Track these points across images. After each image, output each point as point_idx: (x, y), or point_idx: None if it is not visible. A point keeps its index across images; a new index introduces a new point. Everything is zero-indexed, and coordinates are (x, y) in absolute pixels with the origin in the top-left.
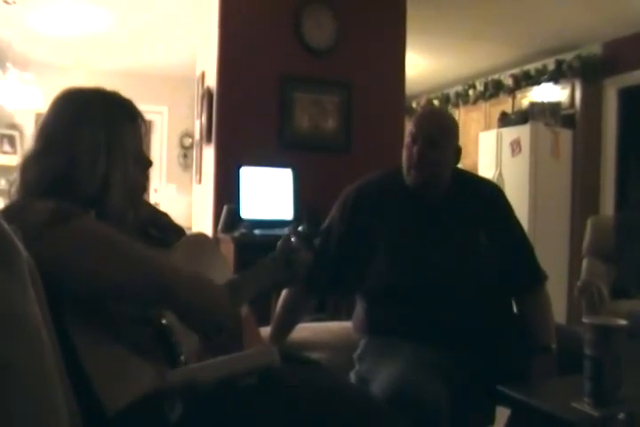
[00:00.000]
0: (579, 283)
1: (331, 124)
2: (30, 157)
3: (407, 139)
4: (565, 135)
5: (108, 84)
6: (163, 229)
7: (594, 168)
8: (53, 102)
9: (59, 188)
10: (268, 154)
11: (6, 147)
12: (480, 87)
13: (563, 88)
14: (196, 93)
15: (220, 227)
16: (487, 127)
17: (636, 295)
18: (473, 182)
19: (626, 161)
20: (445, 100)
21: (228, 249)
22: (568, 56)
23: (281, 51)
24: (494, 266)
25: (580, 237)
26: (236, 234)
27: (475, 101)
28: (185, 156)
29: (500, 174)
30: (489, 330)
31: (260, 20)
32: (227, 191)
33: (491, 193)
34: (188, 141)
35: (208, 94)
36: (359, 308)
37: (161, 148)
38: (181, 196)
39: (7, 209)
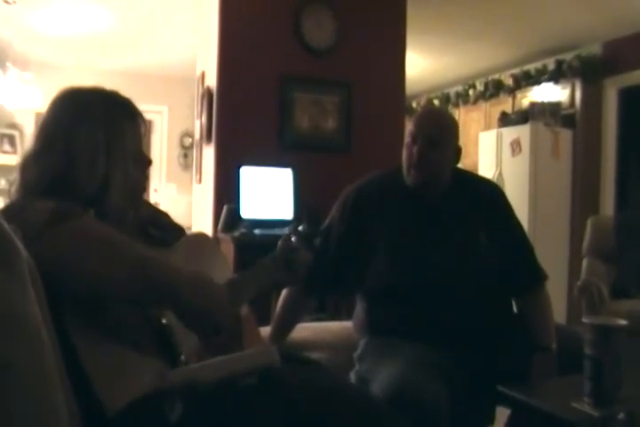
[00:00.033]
0: (579, 283)
1: (331, 124)
2: (30, 157)
3: (407, 139)
4: (565, 135)
5: (109, 84)
6: (163, 228)
7: (594, 168)
8: (53, 102)
9: (58, 187)
10: (268, 154)
11: (6, 146)
12: (480, 87)
13: (563, 88)
14: (196, 93)
15: (219, 227)
16: (487, 127)
17: (636, 295)
18: (473, 182)
19: (626, 161)
20: (445, 99)
21: (228, 249)
22: (568, 56)
23: (281, 51)
24: (494, 266)
25: (580, 237)
26: (236, 234)
27: (475, 101)
28: (185, 155)
29: (500, 174)
30: (489, 330)
31: (260, 20)
32: (227, 191)
33: (491, 193)
34: (188, 141)
35: (208, 94)
36: (359, 308)
37: (161, 147)
38: (181, 195)
39: (7, 209)
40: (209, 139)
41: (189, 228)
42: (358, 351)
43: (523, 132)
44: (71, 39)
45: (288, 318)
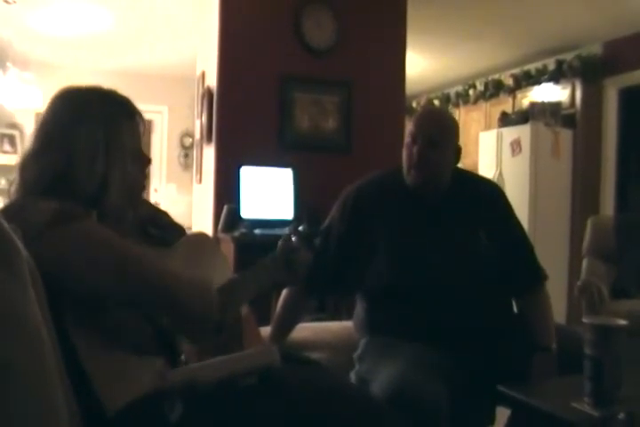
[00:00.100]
0: (579, 283)
1: (331, 123)
2: (29, 156)
3: (407, 139)
4: (566, 135)
5: (109, 84)
6: (163, 228)
7: (594, 168)
8: (52, 101)
9: (58, 187)
10: (269, 154)
11: (6, 146)
12: (480, 87)
13: (563, 88)
14: (197, 93)
15: (220, 226)
16: (487, 127)
17: (636, 295)
18: (473, 182)
19: (626, 161)
20: (446, 99)
21: (228, 249)
22: (568, 56)
23: (281, 51)
24: (494, 266)
25: (580, 237)
26: (237, 234)
27: (475, 101)
28: (186, 155)
29: (501, 174)
30: (489, 330)
31: (260, 20)
32: (227, 191)
33: (491, 193)
34: (188, 141)
35: (208, 94)
36: (359, 308)
37: (161, 147)
38: (181, 195)
39: (7, 208)
40: (209, 139)
41: (189, 228)
42: (358, 351)
43: (523, 132)
44: (71, 39)
45: (288, 318)
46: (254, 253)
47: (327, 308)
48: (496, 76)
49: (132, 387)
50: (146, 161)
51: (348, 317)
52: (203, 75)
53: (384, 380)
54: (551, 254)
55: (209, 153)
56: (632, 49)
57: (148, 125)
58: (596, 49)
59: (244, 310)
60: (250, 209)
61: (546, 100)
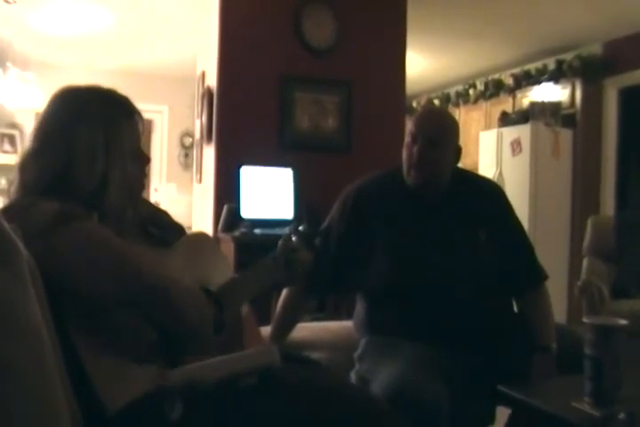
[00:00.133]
0: (579, 283)
1: (331, 123)
2: (29, 156)
3: (407, 138)
4: (566, 135)
5: (109, 84)
6: (163, 227)
7: (594, 168)
8: (51, 101)
9: (58, 187)
10: (269, 153)
11: (6, 146)
12: (480, 87)
13: (563, 88)
14: (197, 93)
15: (220, 226)
16: (487, 127)
17: (637, 295)
18: (473, 181)
19: (626, 161)
20: (446, 99)
21: (228, 248)
22: (568, 56)
23: (281, 50)
24: (494, 266)
25: (581, 236)
26: (237, 233)
27: (475, 101)
28: (186, 155)
29: (501, 174)
30: (489, 330)
31: (260, 20)
32: (227, 191)
33: (491, 192)
34: (188, 141)
35: (208, 94)
36: (359, 307)
37: (161, 147)
38: (182, 195)
39: (7, 208)
40: (209, 138)
41: (190, 227)
42: (358, 351)
43: (523, 131)
44: (71, 39)
45: (288, 317)
46: (254, 253)
47: (327, 308)
48: (496, 76)
49: (132, 387)
50: (145, 160)
51: (348, 317)
52: (203, 74)
53: (384, 380)
54: (551, 254)
55: (209, 153)
56: (632, 49)
57: (148, 125)
58: (596, 49)
59: (245, 309)
60: (250, 209)
61: (546, 99)
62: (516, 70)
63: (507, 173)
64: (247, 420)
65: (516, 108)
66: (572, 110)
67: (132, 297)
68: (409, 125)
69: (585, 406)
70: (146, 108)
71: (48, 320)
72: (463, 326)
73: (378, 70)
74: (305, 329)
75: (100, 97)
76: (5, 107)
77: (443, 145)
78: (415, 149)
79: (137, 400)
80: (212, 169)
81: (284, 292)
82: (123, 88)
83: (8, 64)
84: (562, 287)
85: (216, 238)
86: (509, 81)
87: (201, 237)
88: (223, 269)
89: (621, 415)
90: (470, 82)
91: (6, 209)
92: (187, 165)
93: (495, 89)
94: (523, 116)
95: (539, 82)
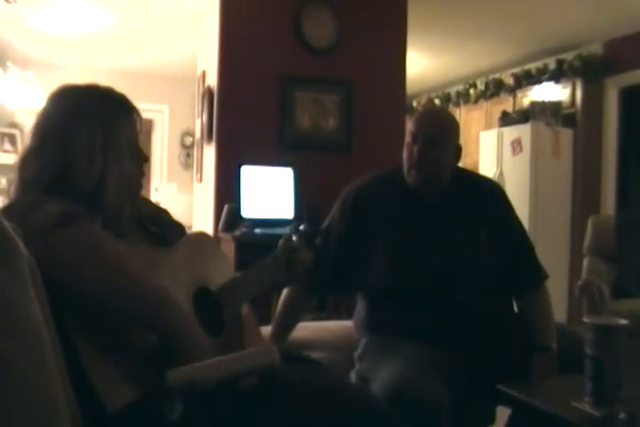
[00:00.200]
0: (579, 282)
1: (331, 123)
2: (28, 155)
3: (407, 138)
4: (566, 134)
5: (109, 83)
6: (163, 226)
7: (594, 167)
8: (49, 99)
9: (58, 186)
10: (269, 153)
11: (7, 145)
12: (481, 86)
13: (564, 87)
14: (197, 92)
15: (220, 226)
16: (488, 126)
17: (637, 295)
18: (473, 181)
19: (627, 160)
20: (446, 99)
21: (228, 248)
22: (569, 55)
23: (281, 50)
24: (494, 265)
25: (581, 236)
26: (237, 233)
27: (476, 100)
28: (187, 155)
29: (501, 174)
30: (489, 330)
31: (261, 20)
32: (227, 190)
33: (491, 191)
34: (188, 140)
35: (209, 93)
36: (360, 307)
37: (162, 146)
38: (182, 195)
39: (7, 207)
40: (210, 138)
41: (190, 227)
42: (358, 351)
43: (523, 131)
44: (71, 38)
45: (289, 317)
46: (255, 253)
47: (327, 307)
48: (497, 76)
49: (132, 387)
50: (143, 158)
51: (348, 316)
52: (203, 74)
53: (384, 379)
54: (552, 254)
55: (209, 152)
56: (632, 48)
57: (148, 125)
58: (596, 48)
59: (245, 309)
60: (250, 208)
61: (546, 99)
62: (517, 70)
63: (507, 172)
64: (247, 420)
65: (517, 108)
66: (572, 110)
67: (124, 304)
68: (409, 125)
69: (585, 406)
70: (146, 107)
71: (48, 320)
72: (463, 326)
73: (378, 70)
74: (305, 329)
75: (99, 95)
76: (5, 106)
77: (443, 145)
78: (415, 148)
79: (137, 400)
80: (212, 169)
81: (285, 291)
82: (123, 88)
83: (8, 63)
84: (562, 287)
85: (216, 238)
86: (510, 81)
87: (201, 236)
88: (223, 269)
89: (621, 415)
90: (471, 81)
91: (7, 208)
92: (187, 165)
93: (496, 89)
94: (523, 116)
95: (539, 81)
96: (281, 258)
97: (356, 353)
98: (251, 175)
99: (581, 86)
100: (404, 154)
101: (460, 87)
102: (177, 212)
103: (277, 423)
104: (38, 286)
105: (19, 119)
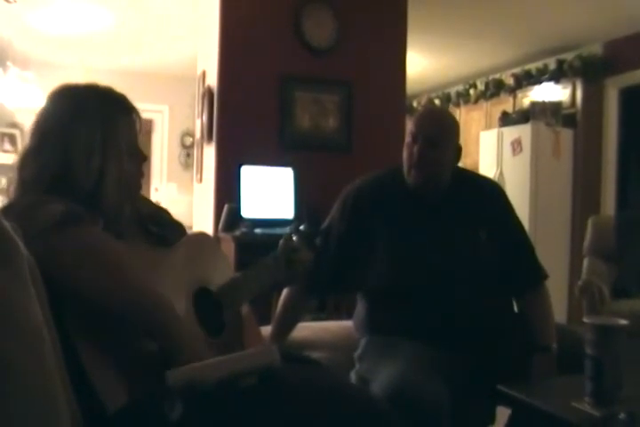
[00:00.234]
0: (579, 282)
1: (331, 123)
2: (27, 154)
3: (407, 138)
4: (566, 135)
5: (109, 84)
6: (163, 225)
7: (595, 168)
8: (49, 99)
9: (57, 185)
10: (269, 153)
11: (7, 145)
12: (481, 86)
13: (564, 88)
14: (197, 92)
15: (220, 226)
16: (488, 126)
17: (637, 295)
18: (473, 181)
19: (627, 161)
20: (446, 99)
21: (228, 248)
22: (569, 56)
23: (281, 50)
24: (494, 265)
25: (581, 236)
26: (237, 233)
27: (476, 101)
28: (187, 155)
29: (501, 174)
30: (489, 330)
31: (261, 20)
32: (227, 190)
33: (491, 191)
34: (188, 140)
35: (209, 93)
36: (360, 307)
37: (162, 147)
38: (182, 195)
39: (8, 207)
40: (210, 138)
41: (190, 227)
42: (358, 351)
43: (523, 131)
44: (71, 38)
45: (289, 317)
46: (255, 253)
47: (327, 307)
48: (497, 76)
49: (132, 387)
50: (142, 158)
51: (348, 316)
52: (203, 74)
53: (384, 379)
54: (552, 254)
55: (209, 152)
56: (632, 49)
57: (148, 125)
58: (596, 49)
59: (245, 309)
60: (250, 208)
61: (546, 99)
62: (517, 70)
63: (507, 172)
64: (247, 420)
65: (517, 108)
66: (572, 110)
67: (121, 307)
68: (409, 125)
69: (585, 406)
70: (146, 107)
71: (48, 320)
72: (463, 326)
73: (378, 70)
74: (305, 329)
75: (98, 95)
76: (6, 106)
77: (443, 145)
78: (415, 148)
79: (137, 400)
80: (212, 169)
81: (285, 291)
82: (123, 88)
83: (8, 63)
84: (562, 287)
85: (216, 238)
86: (510, 81)
87: (201, 236)
88: (223, 269)
89: (621, 415)
90: (471, 82)
91: (6, 208)
92: (187, 165)
93: (496, 89)
94: (523, 116)
95: (539, 82)
96: (281, 258)
97: (356, 353)
98: (251, 175)
99: (581, 86)
100: (404, 154)
101: (460, 87)
102: (177, 212)
103: (277, 423)
104: (38, 286)
105: (19, 119)
